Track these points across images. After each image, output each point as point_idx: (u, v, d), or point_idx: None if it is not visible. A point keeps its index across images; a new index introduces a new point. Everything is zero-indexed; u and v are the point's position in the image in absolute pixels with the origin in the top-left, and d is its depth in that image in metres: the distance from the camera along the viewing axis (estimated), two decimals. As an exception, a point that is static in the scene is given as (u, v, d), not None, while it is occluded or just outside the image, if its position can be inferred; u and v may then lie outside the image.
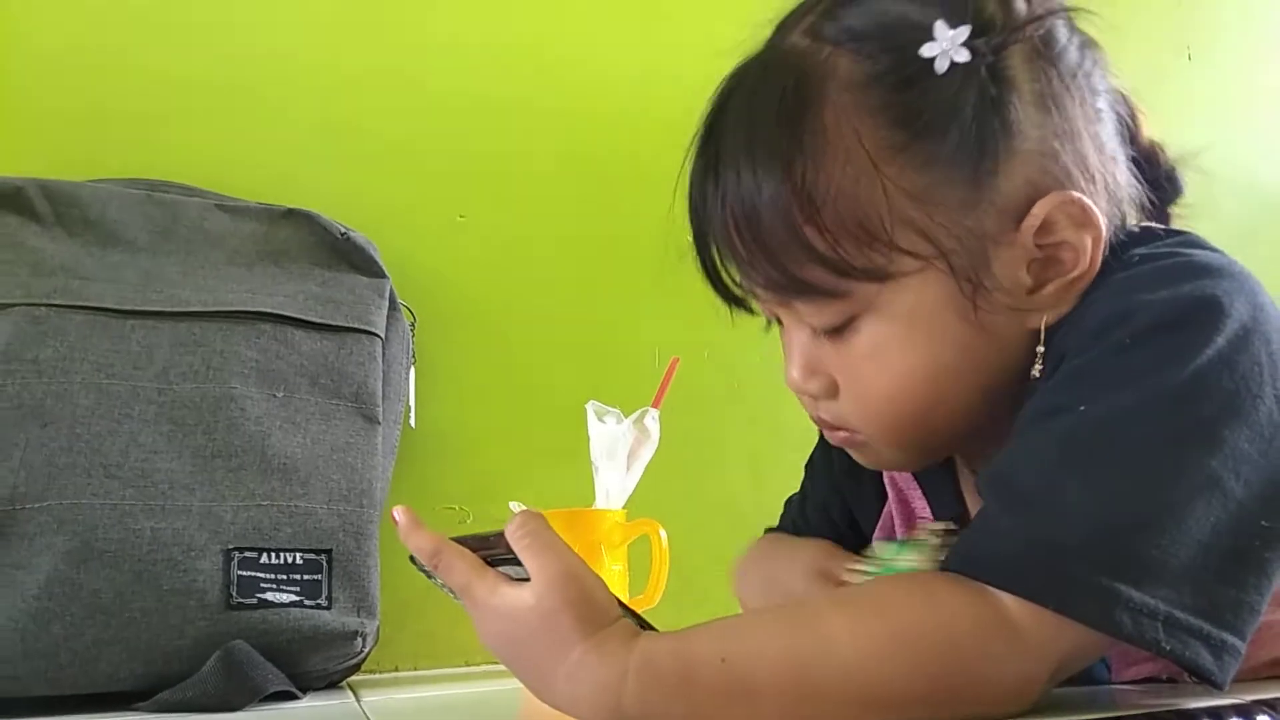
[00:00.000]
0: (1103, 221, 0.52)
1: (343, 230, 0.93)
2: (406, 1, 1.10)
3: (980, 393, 0.54)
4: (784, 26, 0.56)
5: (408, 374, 0.98)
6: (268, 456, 0.81)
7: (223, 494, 0.79)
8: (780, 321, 0.59)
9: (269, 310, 0.86)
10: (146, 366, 0.81)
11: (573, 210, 1.13)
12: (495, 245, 1.10)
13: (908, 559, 0.58)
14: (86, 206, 0.87)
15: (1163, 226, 0.58)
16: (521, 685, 0.52)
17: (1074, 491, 0.46)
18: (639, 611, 0.53)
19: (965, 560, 0.48)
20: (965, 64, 0.50)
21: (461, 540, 0.56)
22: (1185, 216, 0.61)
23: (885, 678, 0.45)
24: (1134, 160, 0.57)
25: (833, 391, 0.57)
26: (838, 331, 0.55)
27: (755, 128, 0.52)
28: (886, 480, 0.71)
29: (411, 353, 0.99)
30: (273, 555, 0.79)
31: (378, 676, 0.96)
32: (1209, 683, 0.45)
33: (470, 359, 1.08)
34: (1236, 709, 0.47)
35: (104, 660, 0.74)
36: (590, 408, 0.92)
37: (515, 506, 0.92)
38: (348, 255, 0.93)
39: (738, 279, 0.56)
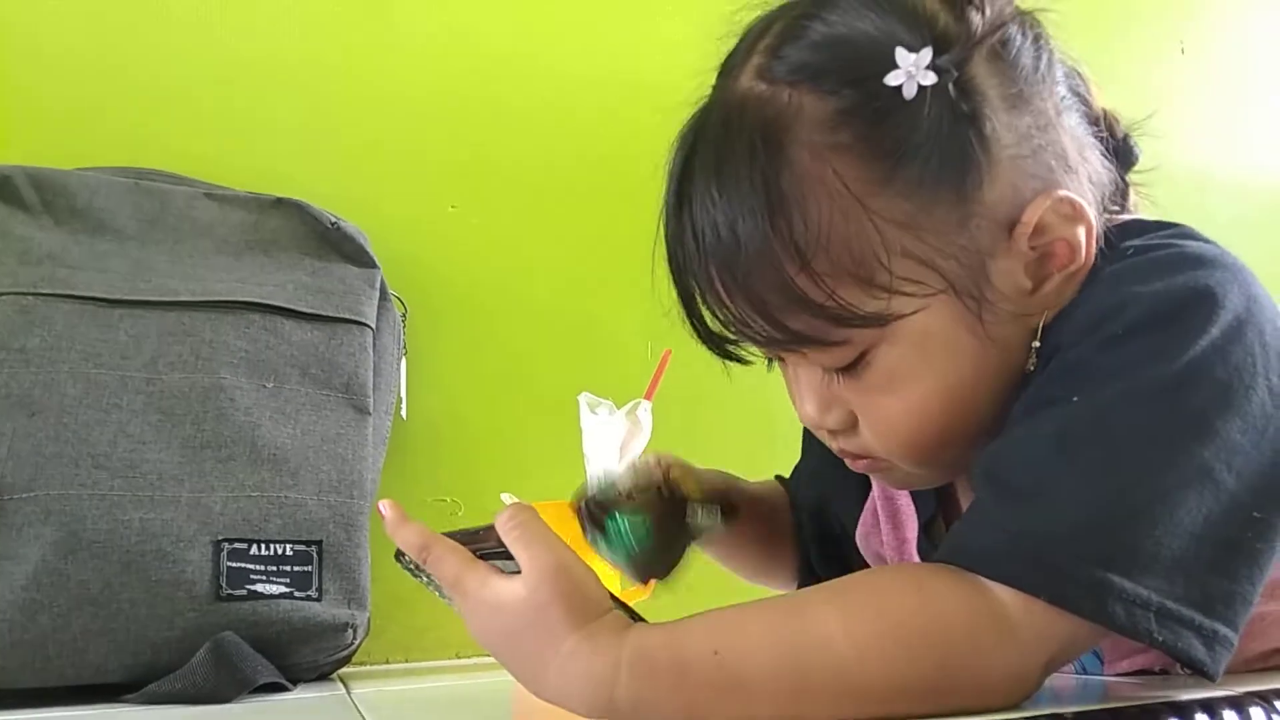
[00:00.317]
0: (1091, 212, 0.52)
1: (333, 220, 0.93)
2: (398, -10, 1.10)
3: (997, 402, 0.54)
4: (729, 71, 0.55)
5: (399, 365, 0.97)
6: (257, 447, 0.81)
7: (212, 485, 0.79)
8: (782, 358, 0.58)
9: (258, 300, 0.86)
10: (135, 356, 0.80)
11: (565, 201, 1.13)
12: (487, 236, 1.10)
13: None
14: (74, 195, 0.86)
15: (1154, 219, 0.58)
16: (512, 678, 0.52)
17: (1066, 483, 0.46)
18: (631, 604, 0.53)
19: (958, 552, 0.47)
20: (932, 85, 0.49)
21: (450, 535, 0.55)
22: (1143, 185, 0.61)
23: (878, 669, 0.45)
24: (1094, 132, 0.57)
25: (852, 423, 0.56)
26: (849, 367, 0.53)
27: (729, 184, 0.50)
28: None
29: (402, 343, 0.98)
30: (262, 546, 0.79)
31: (368, 668, 0.96)
32: (1201, 674, 0.45)
33: (462, 350, 1.07)
34: (1229, 701, 0.47)
35: (92, 651, 0.73)
36: (582, 399, 0.92)
37: (507, 498, 0.92)
38: (338, 245, 0.93)
39: (731, 334, 0.55)
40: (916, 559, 0.66)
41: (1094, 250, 0.53)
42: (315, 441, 0.84)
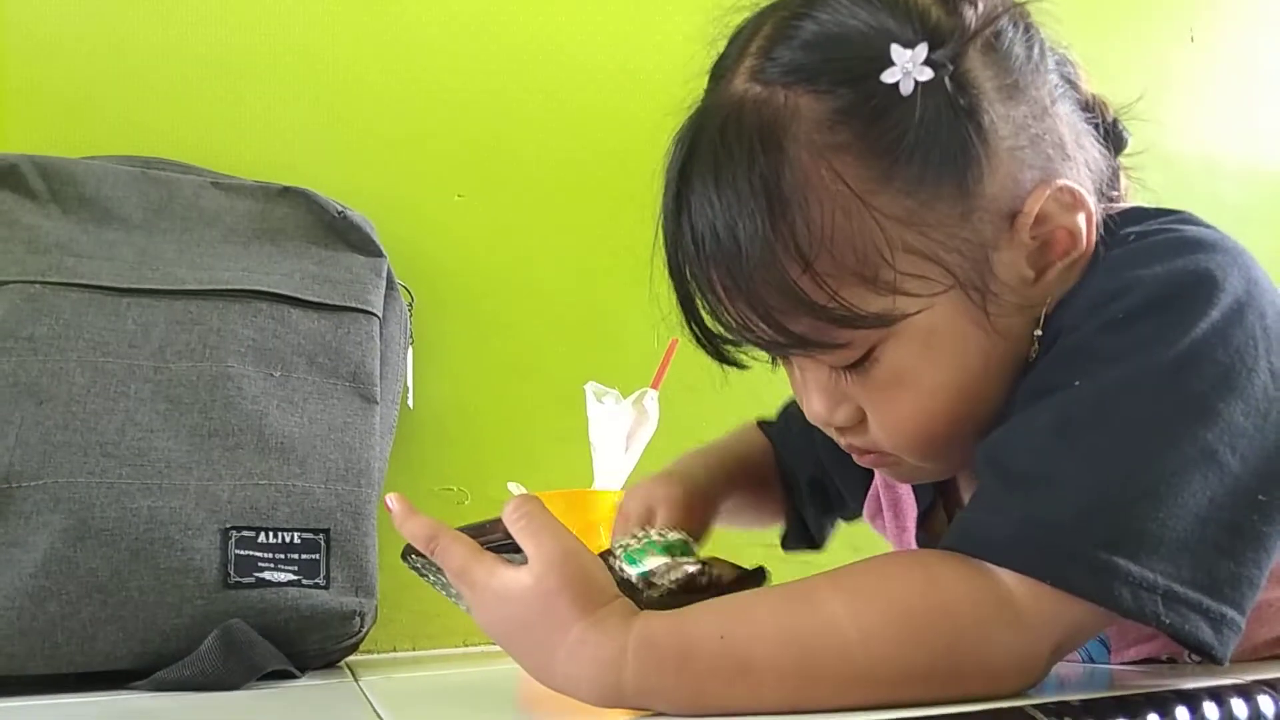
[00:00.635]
0: (1091, 199, 0.52)
1: (339, 209, 0.93)
2: (404, -21, 1.09)
3: (1004, 392, 0.54)
4: (721, 74, 0.54)
5: (405, 354, 0.97)
6: (265, 436, 0.81)
7: (220, 473, 0.79)
8: (787, 358, 0.57)
9: (266, 289, 0.86)
10: (143, 345, 0.81)
11: (572, 190, 1.13)
12: (494, 225, 1.10)
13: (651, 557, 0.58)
14: (82, 184, 0.86)
15: (1154, 205, 0.57)
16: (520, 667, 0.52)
17: (1070, 467, 0.46)
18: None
19: (963, 538, 0.47)
20: (929, 81, 0.49)
21: (457, 529, 0.55)
22: (1134, 169, 0.60)
23: (884, 656, 0.45)
24: (1085, 117, 0.57)
25: (860, 420, 0.56)
26: (857, 365, 0.53)
27: (728, 187, 0.50)
28: None
29: (409, 332, 0.98)
30: (270, 534, 0.79)
31: (375, 657, 0.96)
32: (1209, 657, 0.45)
33: (468, 339, 1.07)
34: (1237, 689, 0.47)
35: (101, 639, 0.73)
36: (589, 388, 0.92)
37: (514, 487, 0.92)
38: (344, 234, 0.93)
39: (731, 338, 0.55)
40: (914, 548, 0.66)
41: (1094, 237, 0.52)
42: (322, 430, 0.84)
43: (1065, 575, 0.44)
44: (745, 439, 0.81)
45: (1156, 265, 0.49)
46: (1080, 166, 0.53)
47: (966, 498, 0.63)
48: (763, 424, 0.82)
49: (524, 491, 0.90)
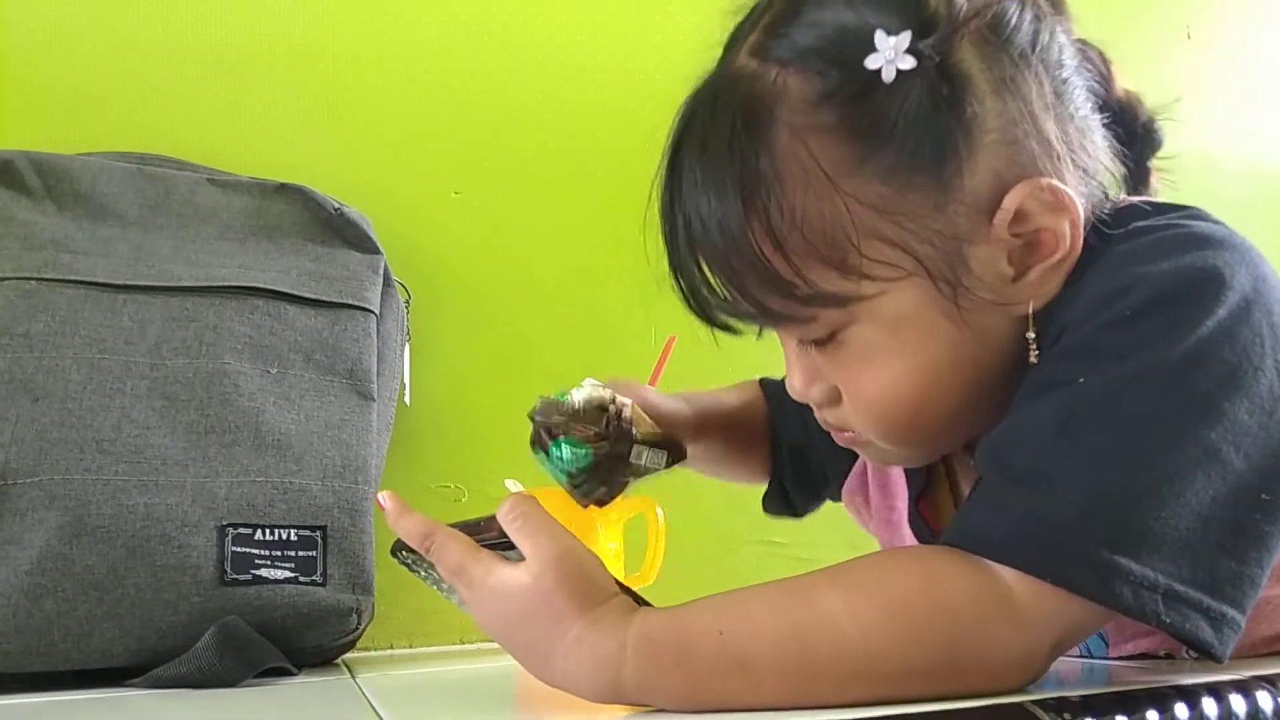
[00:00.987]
0: (1078, 201, 0.51)
1: (336, 205, 0.93)
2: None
3: (975, 385, 0.54)
4: (732, 44, 0.55)
5: (402, 351, 0.97)
6: (261, 433, 0.81)
7: (216, 470, 0.78)
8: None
9: (262, 286, 0.86)
10: (139, 341, 0.80)
11: (569, 187, 1.13)
12: (491, 222, 1.10)
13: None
14: (77, 180, 0.86)
15: (1161, 200, 0.57)
16: (518, 664, 0.52)
17: (1072, 464, 0.46)
18: (636, 590, 0.53)
19: (964, 535, 0.47)
20: (912, 70, 0.49)
21: (452, 527, 0.55)
22: (1167, 170, 0.60)
23: (883, 652, 0.45)
24: (1112, 115, 0.56)
25: (835, 398, 0.57)
26: (825, 342, 0.54)
27: (711, 161, 0.51)
28: None
29: (406, 330, 0.98)
30: (267, 532, 0.79)
31: (372, 654, 0.96)
32: (1209, 656, 0.45)
33: (465, 336, 1.07)
34: (1236, 685, 0.47)
35: (97, 636, 0.73)
36: (586, 385, 0.91)
37: (511, 484, 0.91)
38: (341, 231, 0.93)
39: (714, 306, 0.55)
40: (905, 529, 0.67)
41: (1080, 242, 0.52)
42: (319, 427, 0.84)
43: (1066, 574, 0.44)
44: (742, 392, 0.82)
45: (1163, 262, 0.49)
46: (1072, 168, 0.52)
47: (964, 481, 0.64)
48: (764, 382, 0.82)
49: (521, 488, 0.90)
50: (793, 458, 0.79)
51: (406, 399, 0.98)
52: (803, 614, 0.47)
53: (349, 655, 0.87)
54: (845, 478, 0.74)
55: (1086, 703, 0.44)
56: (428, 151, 1.08)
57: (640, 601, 0.52)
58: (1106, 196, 0.55)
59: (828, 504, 0.82)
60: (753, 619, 0.47)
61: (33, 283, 0.80)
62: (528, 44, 1.12)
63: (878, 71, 0.49)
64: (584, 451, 0.66)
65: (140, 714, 0.62)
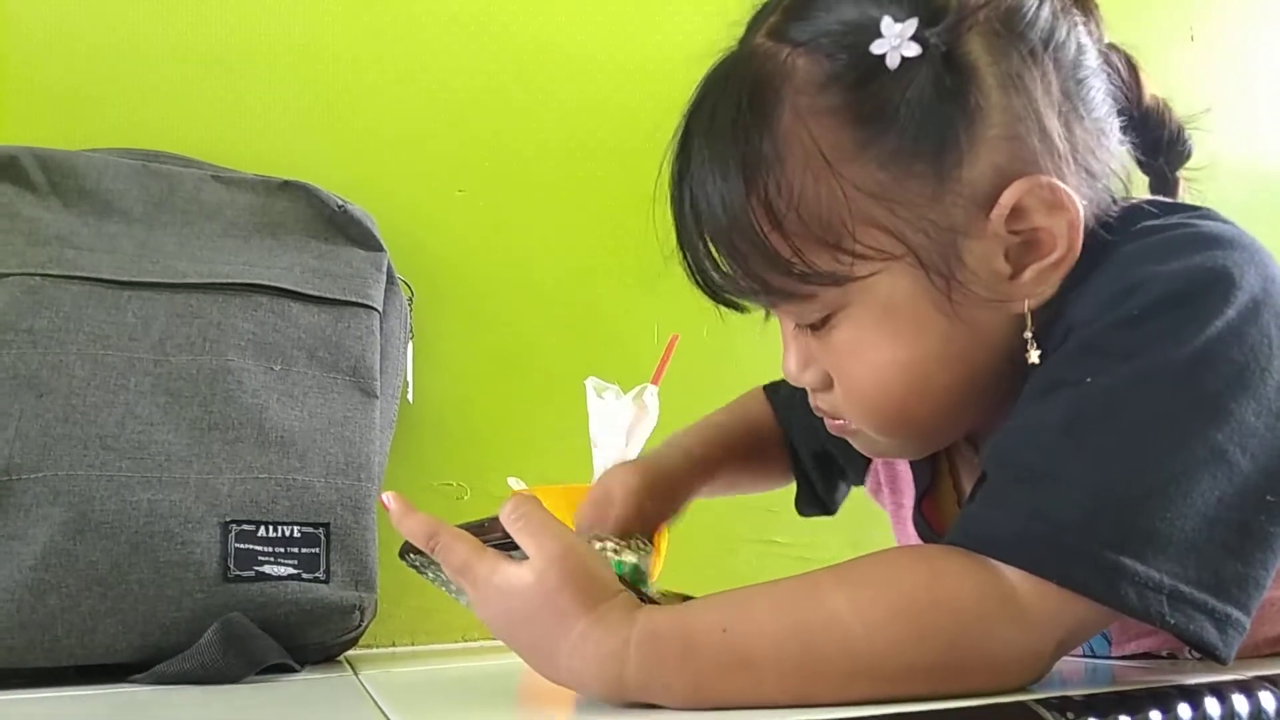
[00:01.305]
0: (1078, 203, 0.51)
1: (340, 203, 0.93)
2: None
3: (967, 382, 0.54)
4: (753, 25, 0.55)
5: (405, 349, 0.97)
6: (265, 429, 0.81)
7: (220, 466, 0.79)
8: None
9: (266, 283, 0.86)
10: (143, 338, 0.80)
11: (573, 185, 1.13)
12: (494, 220, 1.10)
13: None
14: (82, 176, 0.86)
15: (1171, 200, 0.57)
16: (521, 661, 0.52)
17: (1078, 464, 0.46)
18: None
19: (969, 534, 0.47)
20: (917, 57, 0.49)
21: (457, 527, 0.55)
22: (1196, 180, 0.60)
23: (887, 651, 0.45)
24: (1137, 121, 0.56)
25: (828, 383, 0.57)
26: (819, 327, 0.54)
27: (717, 138, 0.52)
28: None
29: (409, 327, 0.98)
30: (270, 528, 0.79)
31: (375, 652, 0.96)
32: (1213, 657, 0.45)
33: (468, 334, 1.07)
34: (1238, 685, 0.47)
35: (101, 632, 0.73)
36: (589, 384, 0.92)
37: (514, 483, 0.92)
38: (345, 228, 0.93)
39: (717, 280, 0.56)
40: (911, 527, 0.67)
41: (1079, 243, 0.51)
42: (322, 424, 0.84)
43: (1071, 574, 0.44)
44: (747, 412, 0.82)
45: (1173, 261, 0.49)
46: (1074, 171, 0.52)
47: (966, 481, 0.64)
48: (769, 391, 0.82)
49: (523, 486, 0.90)
50: (816, 462, 0.79)
51: (409, 396, 0.98)
52: (806, 612, 0.47)
53: (351, 652, 0.87)
54: (866, 468, 0.75)
55: (1090, 702, 0.44)
56: (431, 149, 1.08)
57: (644, 599, 0.52)
58: (1115, 201, 0.55)
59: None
60: (756, 617, 0.47)
61: (37, 279, 0.80)
62: (530, 42, 1.12)
63: (883, 57, 0.49)
64: None
65: (143, 710, 0.62)
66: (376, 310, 0.91)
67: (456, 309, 1.07)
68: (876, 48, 0.49)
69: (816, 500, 0.81)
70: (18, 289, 0.79)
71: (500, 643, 0.53)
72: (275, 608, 0.77)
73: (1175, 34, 1.46)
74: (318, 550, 0.80)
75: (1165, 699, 0.45)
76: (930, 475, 0.66)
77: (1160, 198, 0.57)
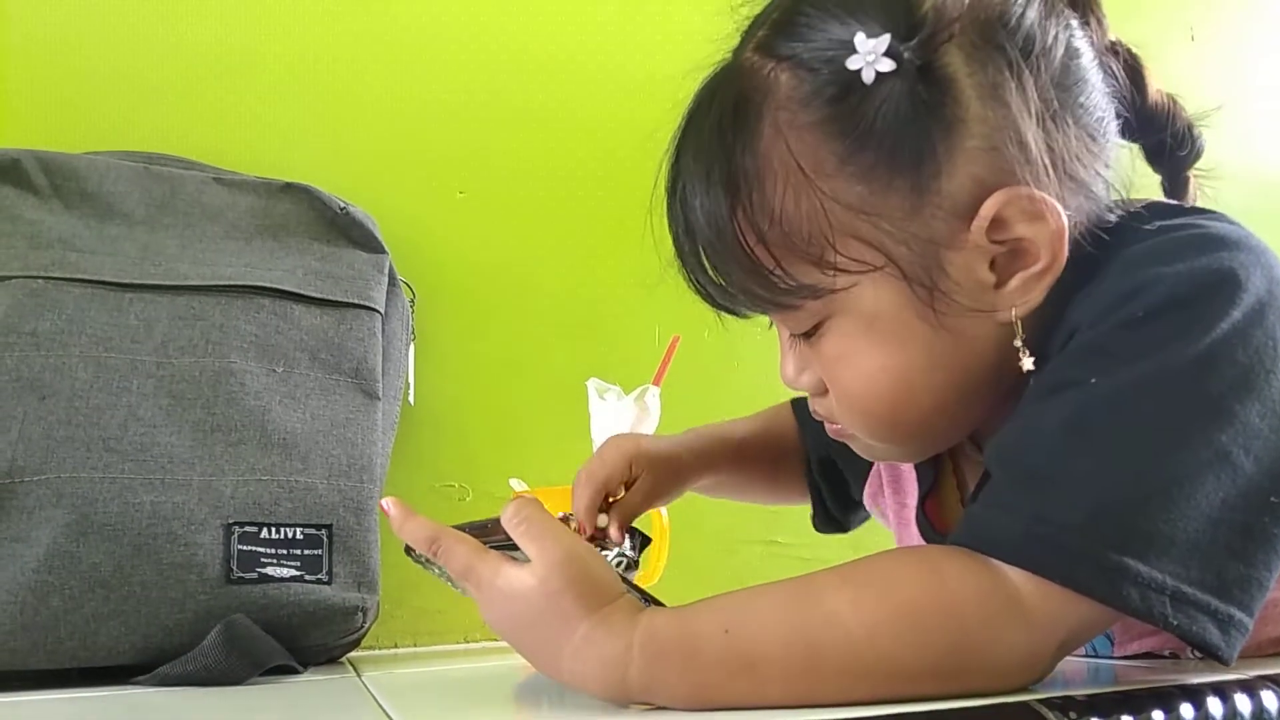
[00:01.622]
0: (1060, 212, 0.50)
1: (342, 205, 0.93)
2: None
3: (955, 389, 0.54)
4: (743, 38, 0.56)
5: (407, 350, 0.97)
6: (267, 431, 0.81)
7: (222, 468, 0.79)
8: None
9: (268, 285, 0.86)
10: (145, 340, 0.80)
11: (574, 186, 1.13)
12: (495, 221, 1.10)
13: None
14: (84, 179, 0.86)
15: (1178, 201, 0.57)
16: (523, 662, 0.52)
17: (1082, 465, 0.46)
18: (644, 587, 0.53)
19: (972, 535, 0.48)
20: (891, 72, 0.49)
21: (457, 528, 0.55)
22: (1207, 179, 0.60)
23: (889, 651, 0.46)
24: (1141, 121, 0.56)
25: (823, 389, 0.58)
26: (811, 335, 0.55)
27: (703, 152, 0.53)
28: None
29: (411, 329, 0.98)
30: (273, 530, 0.79)
31: (377, 653, 0.96)
32: (1215, 658, 0.45)
33: (470, 336, 1.07)
34: (1241, 684, 0.47)
35: (103, 634, 0.73)
36: (591, 385, 0.92)
37: (516, 484, 0.92)
38: (347, 230, 0.93)
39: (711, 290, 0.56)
40: (914, 527, 0.67)
41: (1063, 253, 0.51)
42: (325, 426, 0.84)
43: (1074, 575, 0.44)
44: (766, 417, 0.83)
45: (1178, 263, 0.49)
46: (1056, 180, 0.51)
47: (970, 480, 0.64)
48: (794, 402, 0.83)
49: (525, 487, 0.90)
50: (823, 471, 0.79)
51: (411, 398, 0.98)
52: (809, 613, 0.47)
53: (354, 654, 0.87)
54: (866, 479, 0.75)
55: (1092, 702, 0.44)
56: (432, 151, 1.08)
57: (648, 600, 0.52)
58: (1113, 205, 0.54)
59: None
60: (759, 618, 0.47)
61: (40, 281, 0.80)
62: (530, 46, 1.13)
63: (859, 72, 0.49)
64: None
65: (146, 712, 0.62)
66: (378, 312, 0.91)
67: (458, 310, 1.07)
68: (852, 63, 0.49)
69: (827, 514, 0.81)
70: (20, 291, 0.79)
71: (502, 643, 0.53)
72: (278, 609, 0.77)
73: (1175, 33, 1.46)
74: (320, 552, 0.80)
75: (1168, 699, 0.45)
76: (934, 475, 0.66)
77: (1166, 199, 0.57)
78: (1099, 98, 0.54)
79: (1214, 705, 0.45)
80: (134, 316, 0.81)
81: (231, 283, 0.85)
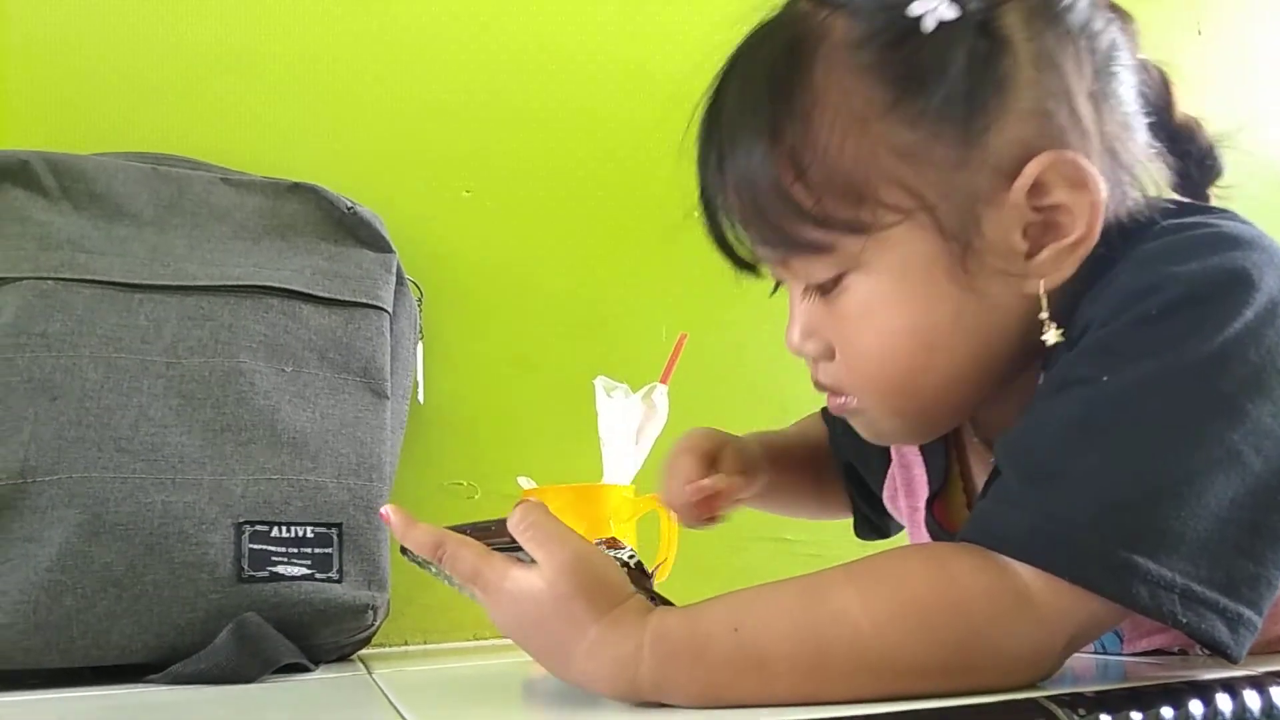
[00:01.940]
0: (1101, 184, 0.50)
1: (349, 204, 0.93)
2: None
3: (973, 360, 0.54)
4: None
5: (415, 349, 0.97)
6: (277, 430, 0.81)
7: (233, 468, 0.79)
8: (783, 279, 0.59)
9: (276, 285, 0.86)
10: (155, 340, 0.81)
11: (581, 185, 1.13)
12: (502, 220, 1.10)
13: None
14: (92, 180, 0.86)
15: (1191, 200, 0.57)
16: (532, 660, 0.52)
17: (1092, 463, 0.46)
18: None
19: (981, 531, 0.48)
20: (953, 21, 0.50)
21: (459, 528, 0.55)
22: (1228, 198, 0.60)
23: (898, 648, 0.46)
24: (1168, 134, 0.56)
25: (829, 354, 0.57)
26: (830, 290, 0.54)
27: (750, 91, 0.53)
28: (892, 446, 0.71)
29: (419, 328, 0.99)
30: (283, 529, 0.79)
31: (387, 650, 0.97)
32: (1224, 656, 0.45)
33: (478, 334, 1.08)
34: (1250, 681, 0.47)
35: (116, 633, 0.74)
36: (598, 383, 0.92)
37: (524, 482, 0.92)
38: (354, 229, 0.93)
39: (742, 241, 0.56)
40: (925, 530, 0.67)
41: (1098, 226, 0.51)
42: (334, 425, 0.84)
43: (1083, 571, 0.44)
44: (805, 429, 0.83)
45: (1192, 261, 0.49)
46: (1100, 154, 0.52)
47: (979, 478, 0.64)
48: (825, 411, 0.82)
49: (533, 485, 0.91)
50: (850, 475, 0.79)
51: (419, 397, 0.99)
52: (818, 611, 0.47)
53: (364, 651, 0.87)
54: (884, 482, 0.74)
55: (1101, 698, 0.44)
56: (438, 150, 1.09)
57: (656, 599, 0.52)
58: (1139, 198, 0.54)
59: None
60: (768, 616, 0.47)
61: (50, 282, 0.80)
62: (537, 44, 1.13)
63: (920, 19, 0.50)
64: None
65: (158, 711, 0.62)
66: (386, 311, 0.92)
67: (465, 309, 1.07)
68: (915, 9, 0.50)
69: (867, 521, 0.81)
70: (30, 293, 0.79)
71: (510, 642, 0.53)
72: (289, 608, 0.78)
73: (1183, 29, 1.46)
74: (331, 550, 0.81)
75: (1177, 695, 0.45)
76: (943, 477, 0.66)
77: (1180, 197, 0.57)
78: (1134, 94, 0.54)
79: (1223, 701, 0.45)
80: (143, 317, 0.81)
81: (240, 283, 0.85)
